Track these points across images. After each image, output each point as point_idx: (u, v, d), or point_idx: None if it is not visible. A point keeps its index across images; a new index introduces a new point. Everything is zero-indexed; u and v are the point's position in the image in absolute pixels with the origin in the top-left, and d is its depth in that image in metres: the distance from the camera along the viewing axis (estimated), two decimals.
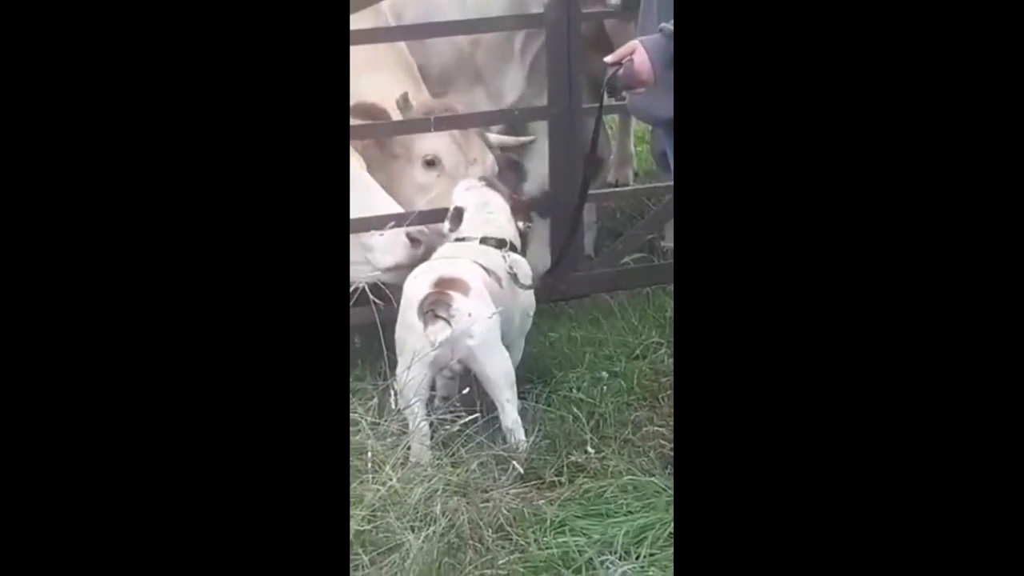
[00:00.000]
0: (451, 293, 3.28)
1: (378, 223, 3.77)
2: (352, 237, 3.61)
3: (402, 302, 3.41)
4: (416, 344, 3.26)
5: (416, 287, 3.37)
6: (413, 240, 3.77)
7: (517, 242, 3.73)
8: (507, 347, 3.44)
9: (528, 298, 3.70)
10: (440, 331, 3.22)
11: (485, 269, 3.48)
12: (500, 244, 3.65)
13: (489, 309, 3.32)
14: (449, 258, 3.55)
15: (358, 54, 4.00)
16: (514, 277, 3.58)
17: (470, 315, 3.25)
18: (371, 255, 3.78)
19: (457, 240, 3.68)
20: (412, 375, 3.27)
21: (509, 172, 4.36)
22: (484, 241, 3.64)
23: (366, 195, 3.82)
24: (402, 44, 4.23)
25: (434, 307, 3.24)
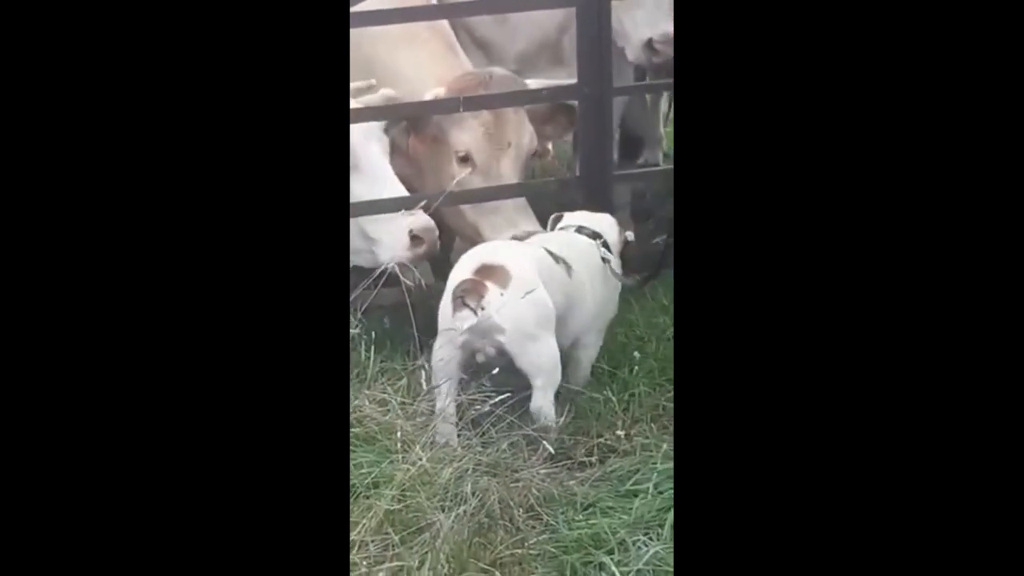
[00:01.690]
0: (487, 283, 3.27)
1: (388, 207, 3.77)
2: (356, 224, 3.62)
3: (448, 280, 3.41)
4: (447, 325, 3.27)
5: (459, 270, 3.36)
6: (415, 238, 3.74)
7: (611, 241, 3.75)
8: (579, 336, 3.50)
9: (612, 292, 3.72)
10: (465, 319, 3.23)
11: (552, 255, 3.48)
12: (595, 236, 3.68)
13: (523, 298, 3.31)
14: (504, 243, 3.57)
15: (394, 29, 4.04)
16: (607, 262, 3.62)
17: (490, 305, 3.24)
18: (375, 248, 3.77)
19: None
20: (443, 355, 3.27)
21: (561, 116, 4.31)
22: (580, 230, 3.68)
23: (377, 180, 3.83)
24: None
25: (464, 294, 3.24)
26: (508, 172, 4.04)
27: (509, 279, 3.30)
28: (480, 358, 3.34)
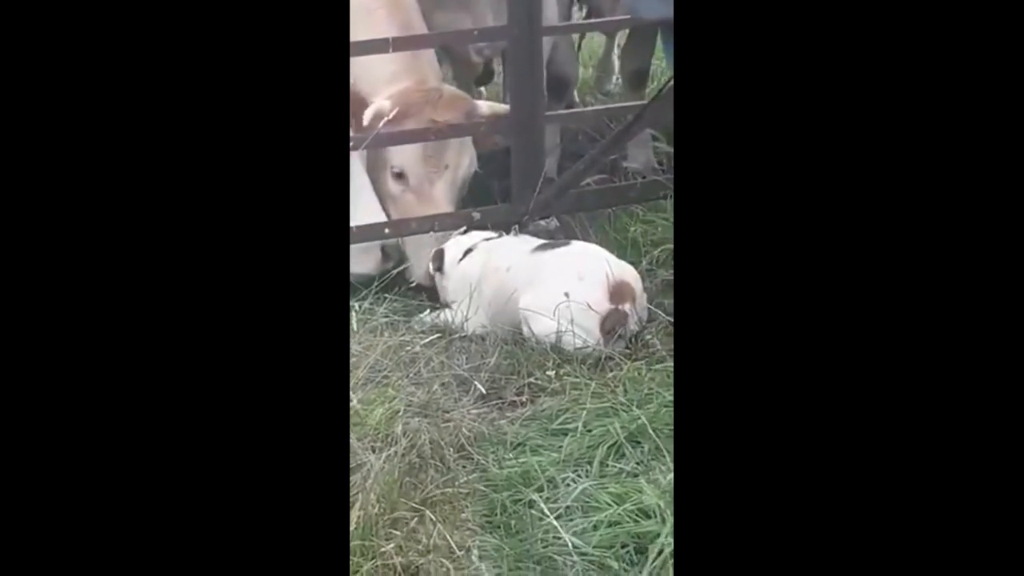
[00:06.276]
0: (625, 309, 3.43)
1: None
2: None
3: (570, 307, 3.42)
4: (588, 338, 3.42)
5: (592, 295, 3.43)
6: (386, 255, 3.91)
7: None
8: None
9: None
10: (618, 344, 3.41)
11: None
12: None
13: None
14: (593, 248, 3.71)
15: None
16: None
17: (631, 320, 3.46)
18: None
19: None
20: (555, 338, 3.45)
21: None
22: None
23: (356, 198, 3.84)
24: None
25: (615, 326, 3.40)
26: (440, 195, 4.08)
27: (635, 293, 3.48)
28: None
